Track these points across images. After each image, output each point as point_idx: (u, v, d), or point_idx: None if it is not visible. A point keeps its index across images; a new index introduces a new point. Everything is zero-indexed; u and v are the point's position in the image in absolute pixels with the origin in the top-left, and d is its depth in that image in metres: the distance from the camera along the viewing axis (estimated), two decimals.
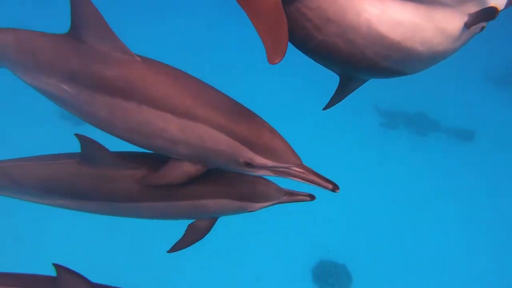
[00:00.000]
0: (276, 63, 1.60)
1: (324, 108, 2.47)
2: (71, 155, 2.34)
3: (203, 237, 2.44)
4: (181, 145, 1.99)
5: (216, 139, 1.94)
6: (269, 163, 1.99)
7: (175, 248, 2.48)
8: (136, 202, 2.26)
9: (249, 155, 1.96)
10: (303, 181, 2.02)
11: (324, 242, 8.39)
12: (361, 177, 9.31)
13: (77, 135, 2.15)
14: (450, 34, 1.83)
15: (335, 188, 1.98)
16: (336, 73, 2.22)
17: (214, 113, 1.95)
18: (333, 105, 2.42)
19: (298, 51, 2.04)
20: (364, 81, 2.22)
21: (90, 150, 2.17)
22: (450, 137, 11.35)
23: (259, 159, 1.97)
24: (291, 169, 2.02)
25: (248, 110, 2.06)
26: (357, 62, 1.87)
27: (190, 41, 13.26)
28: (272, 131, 2.04)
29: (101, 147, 2.15)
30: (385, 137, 11.19)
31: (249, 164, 1.99)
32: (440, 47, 1.85)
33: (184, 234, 2.46)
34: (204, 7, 15.23)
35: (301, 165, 2.02)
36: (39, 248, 7.24)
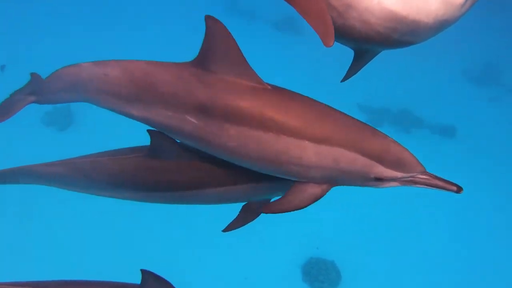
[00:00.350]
0: (331, 46, 1.86)
1: (342, 80, 2.62)
2: (139, 150, 2.40)
3: (256, 217, 2.48)
4: (314, 169, 2.03)
5: (351, 160, 2.00)
6: (399, 175, 2.05)
7: (230, 227, 2.54)
8: (204, 189, 2.32)
9: (380, 170, 2.02)
10: (428, 187, 2.08)
11: (312, 239, 8.47)
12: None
13: (149, 131, 2.20)
14: (453, 4, 1.98)
15: (459, 189, 2.01)
16: (351, 48, 2.39)
17: (347, 135, 2.02)
18: (350, 77, 2.59)
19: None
20: (377, 53, 2.40)
21: (159, 143, 2.22)
22: (434, 134, 11.58)
23: (390, 173, 2.03)
24: (416, 177, 2.07)
25: (369, 126, 2.13)
26: (371, 38, 2.10)
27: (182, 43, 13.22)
28: (395, 143, 2.10)
29: (171, 140, 2.20)
30: None
31: (379, 179, 2.06)
32: (445, 17, 2.01)
33: (238, 215, 2.52)
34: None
35: (425, 172, 2.07)
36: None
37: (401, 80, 13.46)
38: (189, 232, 8.19)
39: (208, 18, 1.97)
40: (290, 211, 2.08)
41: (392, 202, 9.30)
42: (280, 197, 2.14)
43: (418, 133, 11.54)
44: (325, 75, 13.53)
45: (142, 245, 7.87)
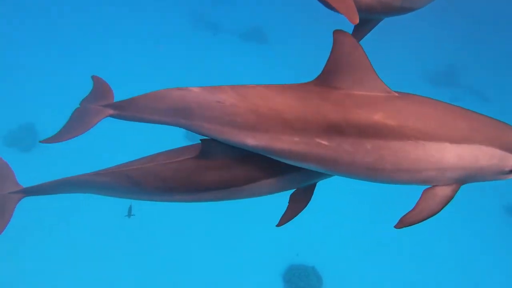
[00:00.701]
0: (356, 22, 1.94)
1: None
2: (186, 150, 2.37)
3: (306, 205, 2.46)
4: (452, 171, 1.98)
5: (490, 156, 1.96)
6: None
7: (283, 221, 2.50)
8: (256, 182, 2.30)
9: None
10: None
11: (292, 245, 8.46)
12: (324, 180, 9.49)
13: (202, 140, 2.19)
14: None
15: None
16: None
17: (484, 131, 1.97)
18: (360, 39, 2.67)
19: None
20: (379, 21, 2.52)
21: (207, 144, 2.21)
22: None
23: None
24: None
25: (498, 120, 2.08)
26: (374, 9, 2.26)
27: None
28: None
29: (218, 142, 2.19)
30: None
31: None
32: None
33: (288, 206, 2.48)
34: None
35: None
36: None
37: None
38: (167, 248, 8.04)
39: (337, 33, 1.93)
40: (425, 220, 2.03)
41: (368, 206, 9.45)
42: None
43: None
44: (294, 78, 13.64)
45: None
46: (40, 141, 2.47)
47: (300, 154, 2.02)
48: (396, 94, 2.02)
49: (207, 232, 8.40)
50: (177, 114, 2.18)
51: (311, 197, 2.46)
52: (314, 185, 2.47)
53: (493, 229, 9.89)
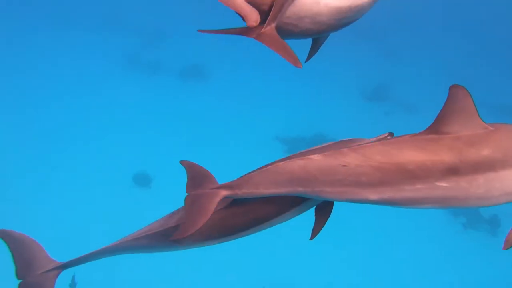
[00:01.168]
0: (300, 67, 2.29)
1: (306, 61, 2.92)
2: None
3: (330, 214, 2.63)
4: None
5: None
6: None
7: (315, 233, 2.66)
8: (284, 213, 2.53)
9: None
10: None
11: (259, 278, 8.32)
12: None
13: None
14: None
15: None
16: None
17: None
18: (311, 57, 3.03)
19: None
20: (326, 37, 2.91)
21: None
22: None
23: None
24: None
25: None
26: (324, 30, 2.62)
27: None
28: None
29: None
30: None
31: None
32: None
33: (316, 219, 2.64)
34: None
35: None
36: None
37: (310, 108, 14.35)
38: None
39: (454, 87, 2.16)
40: None
41: (328, 232, 9.53)
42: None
43: None
44: (238, 112, 13.99)
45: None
46: (172, 237, 2.43)
47: (421, 199, 2.25)
48: (491, 128, 2.25)
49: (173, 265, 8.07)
50: (296, 183, 2.30)
51: (332, 206, 2.65)
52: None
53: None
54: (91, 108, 12.81)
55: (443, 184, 2.18)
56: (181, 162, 2.54)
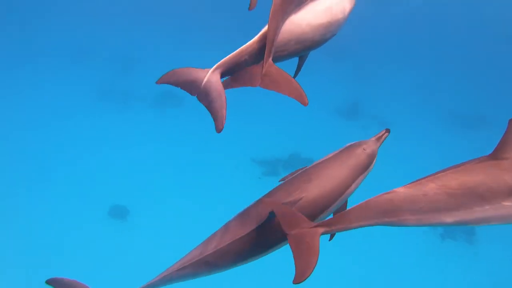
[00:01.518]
0: (306, 104, 2.60)
1: (294, 77, 3.09)
2: (247, 220, 2.72)
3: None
4: None
5: None
6: None
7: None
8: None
9: None
10: None
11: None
12: None
13: (271, 212, 2.57)
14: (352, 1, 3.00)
15: None
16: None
17: None
18: (299, 73, 3.27)
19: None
20: (307, 56, 3.17)
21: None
22: None
23: None
24: None
25: None
26: (310, 48, 2.91)
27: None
28: None
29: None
30: (269, 184, 11.70)
31: None
32: (349, 11, 2.98)
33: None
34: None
35: None
36: None
37: (285, 129, 14.48)
38: None
39: (510, 121, 2.51)
40: None
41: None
42: None
43: None
44: (213, 137, 13.87)
45: None
46: (294, 281, 2.39)
47: (487, 218, 2.56)
48: None
49: None
50: (383, 215, 2.55)
51: (346, 204, 2.96)
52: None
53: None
54: (65, 141, 12.54)
55: (508, 203, 2.52)
56: (272, 206, 2.61)
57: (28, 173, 11.09)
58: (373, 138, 3.08)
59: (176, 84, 2.64)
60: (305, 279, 2.31)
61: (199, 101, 2.60)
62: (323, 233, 2.51)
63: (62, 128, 13.26)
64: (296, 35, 2.71)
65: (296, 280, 2.32)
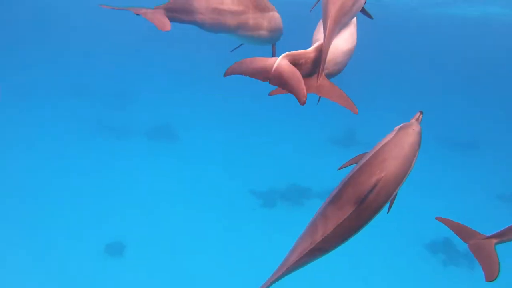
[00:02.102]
0: (357, 113, 2.76)
1: (318, 102, 3.43)
2: (346, 201, 2.90)
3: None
4: None
5: None
6: None
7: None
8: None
9: None
10: None
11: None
12: (247, 252, 9.27)
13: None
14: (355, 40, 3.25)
15: None
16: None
17: None
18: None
19: None
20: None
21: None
22: (322, 199, 12.34)
23: None
24: None
25: None
26: (339, 69, 3.16)
27: None
28: None
29: None
30: (267, 216, 11.59)
31: None
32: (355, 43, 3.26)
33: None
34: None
35: None
36: None
37: (281, 159, 14.52)
38: None
39: None
40: None
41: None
42: None
43: (310, 203, 12.19)
44: (210, 169, 13.92)
45: None
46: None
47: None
48: None
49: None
50: None
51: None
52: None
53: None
54: (59, 177, 12.47)
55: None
56: (441, 220, 3.15)
57: (21, 210, 10.94)
58: (413, 120, 3.21)
59: (245, 72, 2.72)
60: (495, 279, 2.82)
61: (273, 85, 2.72)
62: (496, 244, 2.98)
63: (58, 160, 13.27)
64: (334, 57, 2.97)
65: (488, 279, 2.87)
